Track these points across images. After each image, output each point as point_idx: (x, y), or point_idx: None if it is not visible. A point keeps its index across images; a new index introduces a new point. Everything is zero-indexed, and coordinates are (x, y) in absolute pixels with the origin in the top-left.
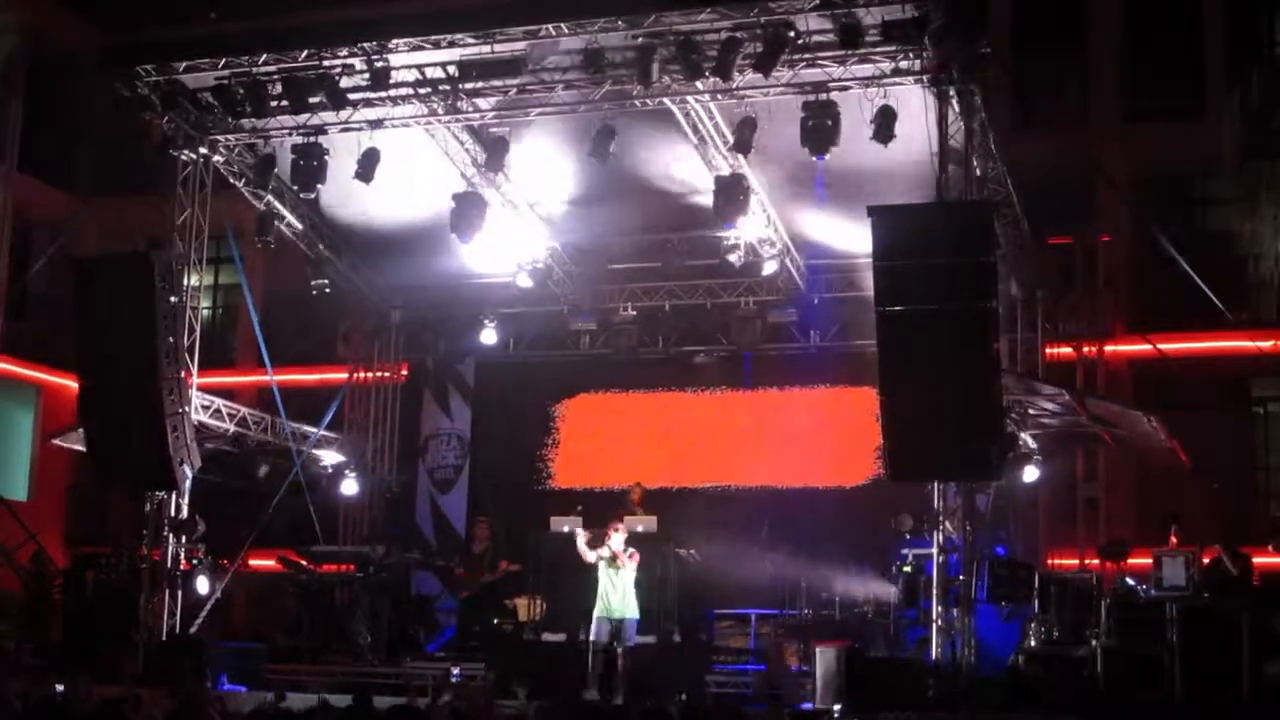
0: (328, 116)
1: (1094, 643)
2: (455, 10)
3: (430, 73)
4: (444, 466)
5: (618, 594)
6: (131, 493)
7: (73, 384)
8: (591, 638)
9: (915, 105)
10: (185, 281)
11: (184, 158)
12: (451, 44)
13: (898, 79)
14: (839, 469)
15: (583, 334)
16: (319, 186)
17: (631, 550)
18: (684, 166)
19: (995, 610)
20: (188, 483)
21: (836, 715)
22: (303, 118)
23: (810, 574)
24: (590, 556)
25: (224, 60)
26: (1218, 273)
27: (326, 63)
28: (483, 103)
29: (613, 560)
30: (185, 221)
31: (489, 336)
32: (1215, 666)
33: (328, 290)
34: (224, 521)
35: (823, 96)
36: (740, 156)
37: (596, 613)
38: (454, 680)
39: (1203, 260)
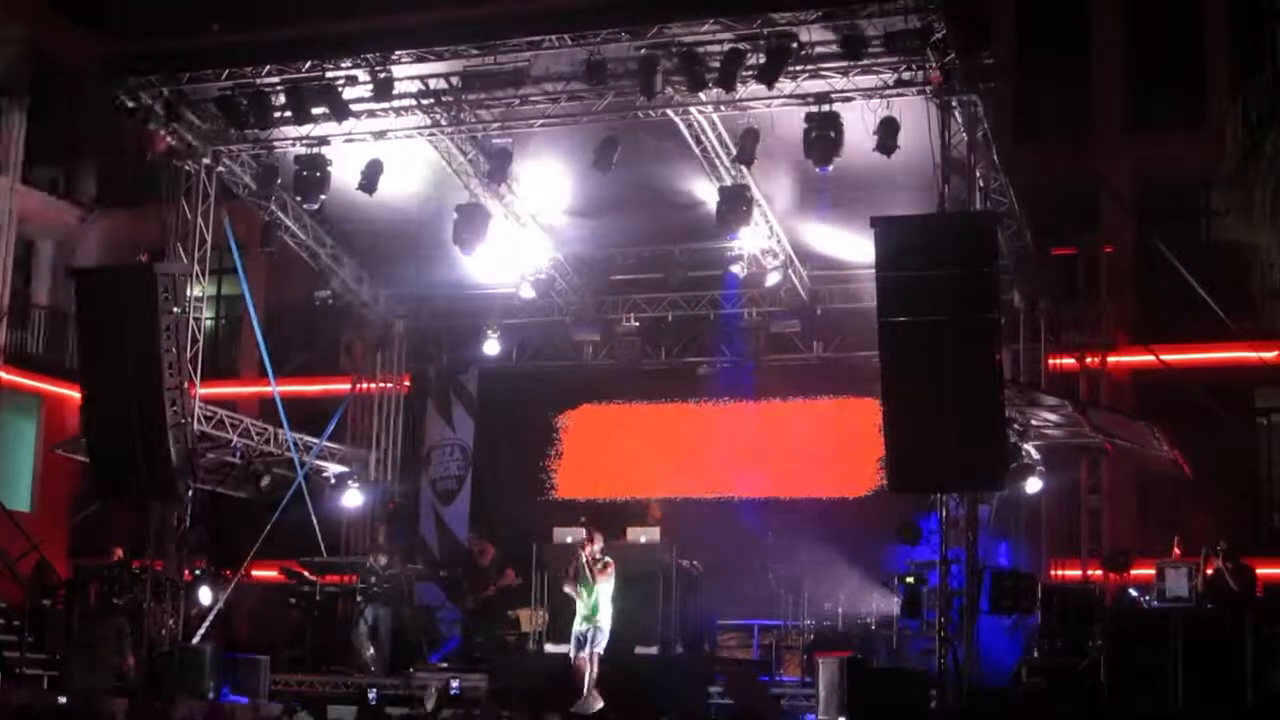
0: (331, 127)
1: (1097, 654)
2: (458, 22)
3: (433, 84)
4: (447, 477)
5: (587, 604)
6: (134, 504)
7: (75, 394)
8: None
9: (918, 115)
10: (188, 292)
11: (187, 168)
12: (454, 55)
13: (900, 90)
14: (842, 480)
15: (586, 345)
16: (322, 197)
17: (602, 563)
18: (687, 177)
19: (998, 621)
20: (190, 493)
21: None
22: (306, 128)
23: (813, 585)
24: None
25: (227, 71)
26: (1221, 283)
27: (330, 74)
28: (485, 114)
29: (586, 572)
30: (188, 232)
31: (492, 347)
32: (1218, 677)
33: (331, 301)
34: (226, 532)
35: (825, 107)
36: (743, 167)
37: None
38: (453, 693)
39: (1206, 270)
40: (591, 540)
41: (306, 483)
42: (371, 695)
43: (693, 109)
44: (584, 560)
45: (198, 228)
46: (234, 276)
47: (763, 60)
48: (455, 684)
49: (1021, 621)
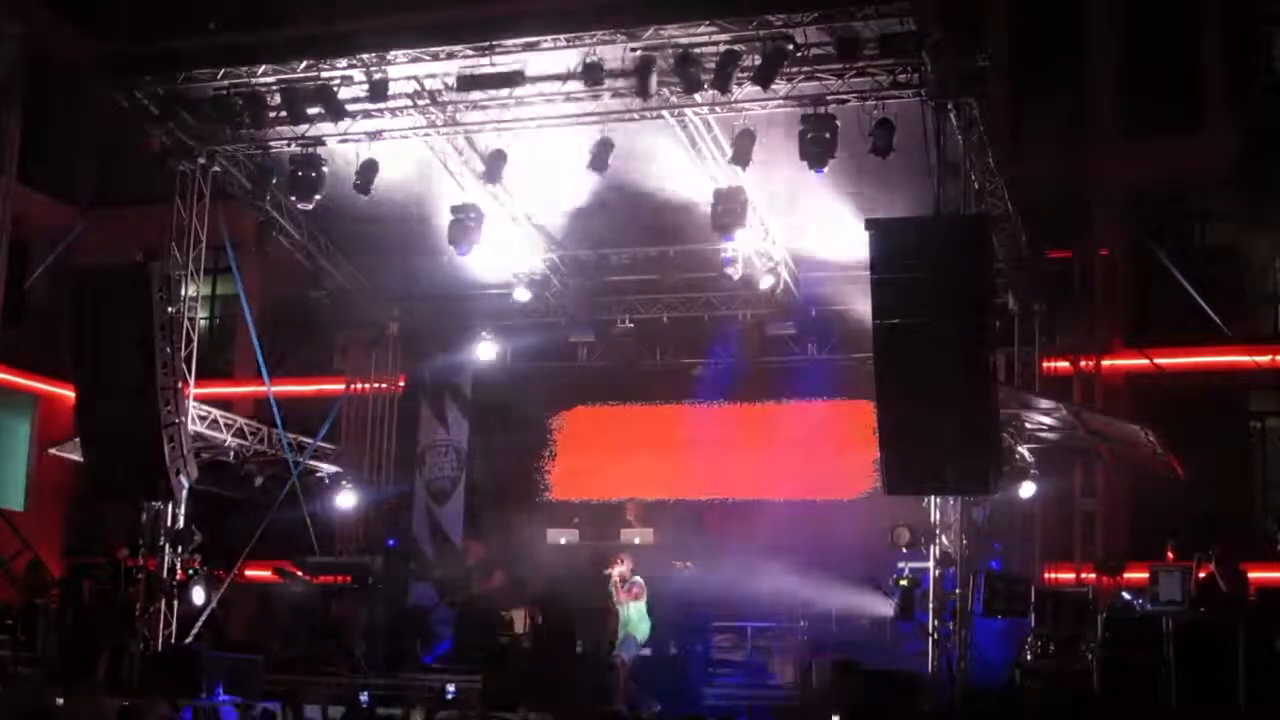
0: (326, 127)
1: (1090, 656)
2: (454, 22)
3: (429, 84)
4: (441, 478)
5: (623, 617)
6: (128, 503)
7: (70, 394)
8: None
9: (914, 118)
10: (183, 292)
11: (182, 168)
12: (450, 56)
13: (896, 92)
14: (836, 482)
15: (580, 346)
16: (317, 197)
17: (630, 584)
18: (682, 179)
19: (991, 623)
20: (184, 493)
21: None
22: (301, 128)
23: (807, 587)
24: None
25: (223, 71)
26: (1215, 287)
27: (325, 74)
28: (481, 114)
29: (613, 592)
30: (183, 232)
31: (486, 348)
32: (1211, 680)
33: (325, 301)
34: (220, 532)
35: (821, 109)
36: (738, 169)
37: None
38: (449, 695)
39: (1200, 274)
40: (617, 563)
41: (300, 483)
42: (364, 697)
43: (688, 110)
44: (613, 581)
45: (193, 227)
46: (229, 276)
47: (758, 62)
48: (451, 688)
49: (1015, 624)
